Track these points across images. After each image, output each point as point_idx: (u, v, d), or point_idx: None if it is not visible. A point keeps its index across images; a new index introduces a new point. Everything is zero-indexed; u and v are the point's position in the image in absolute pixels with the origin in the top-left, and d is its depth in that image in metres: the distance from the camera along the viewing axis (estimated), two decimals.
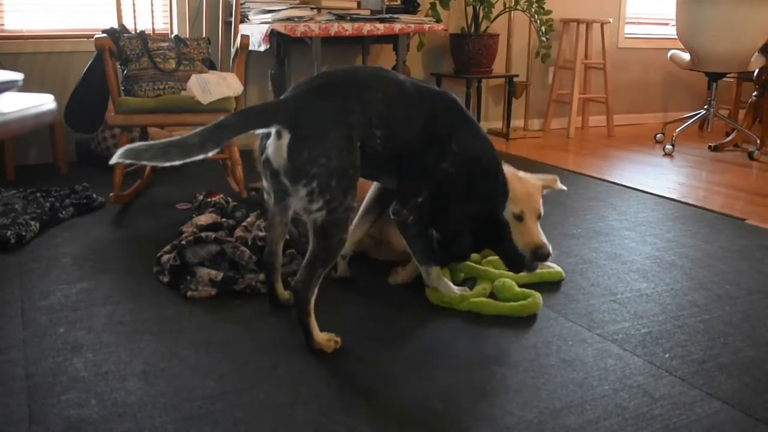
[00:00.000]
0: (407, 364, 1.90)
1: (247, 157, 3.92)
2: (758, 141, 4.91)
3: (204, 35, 3.63)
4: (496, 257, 2.47)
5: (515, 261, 2.23)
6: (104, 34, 3.27)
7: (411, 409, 1.68)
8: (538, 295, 2.27)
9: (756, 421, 1.65)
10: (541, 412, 1.67)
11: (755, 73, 5.16)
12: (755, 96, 5.25)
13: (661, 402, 1.73)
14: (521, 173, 2.37)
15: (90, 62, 3.48)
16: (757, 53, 4.87)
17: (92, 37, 3.26)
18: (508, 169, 2.32)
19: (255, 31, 4.02)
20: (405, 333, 2.09)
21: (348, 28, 4.04)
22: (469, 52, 5.11)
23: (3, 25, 4.16)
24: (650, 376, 1.85)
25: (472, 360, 1.92)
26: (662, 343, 2.04)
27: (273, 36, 4.01)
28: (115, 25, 3.48)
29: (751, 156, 4.86)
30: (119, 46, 3.34)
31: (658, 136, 5.56)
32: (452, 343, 2.02)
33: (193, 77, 3.23)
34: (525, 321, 2.18)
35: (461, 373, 1.85)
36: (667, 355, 1.96)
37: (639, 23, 6.41)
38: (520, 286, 2.35)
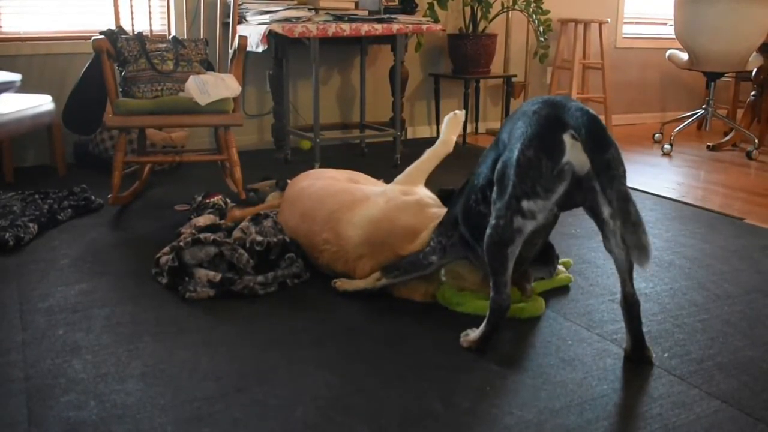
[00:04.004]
0: (407, 364, 1.89)
1: (246, 158, 3.93)
2: (756, 140, 4.91)
3: (202, 36, 3.63)
4: None
5: None
6: (102, 36, 3.27)
7: (410, 409, 1.68)
8: (540, 299, 2.27)
9: (755, 421, 1.65)
10: (541, 412, 1.67)
11: (753, 73, 5.16)
12: (753, 96, 5.25)
13: (660, 401, 1.73)
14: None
15: (88, 64, 3.47)
16: (755, 53, 4.88)
17: (90, 39, 3.26)
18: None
19: (253, 32, 4.02)
20: (405, 333, 2.09)
21: (346, 28, 4.04)
22: (467, 52, 5.11)
23: (0, 27, 4.15)
24: (649, 375, 1.85)
25: (471, 360, 1.92)
26: (661, 343, 2.04)
27: (271, 37, 4.01)
28: (113, 27, 3.48)
29: (749, 155, 4.86)
30: (117, 48, 3.34)
31: (657, 135, 5.57)
32: (452, 343, 2.02)
33: (191, 78, 3.22)
34: (524, 321, 2.18)
35: (461, 373, 1.85)
36: (666, 355, 1.96)
37: (637, 23, 6.41)
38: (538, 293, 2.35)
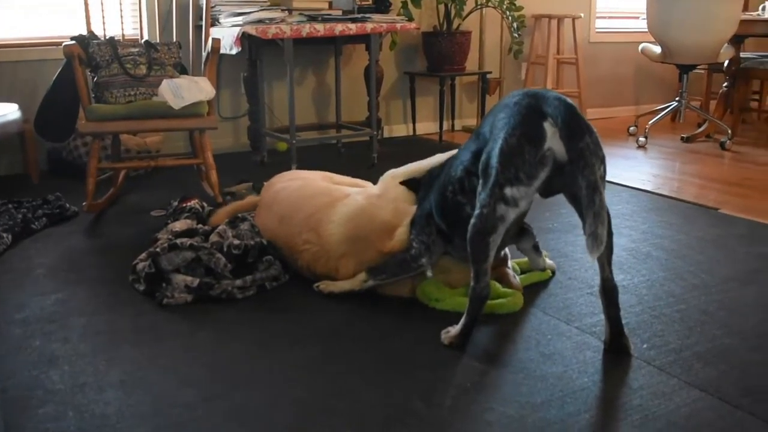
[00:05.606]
0: (388, 364, 1.89)
1: (222, 161, 3.90)
2: (729, 131, 4.96)
3: (174, 40, 3.60)
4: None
5: None
6: (73, 41, 3.24)
7: (393, 409, 1.67)
8: (519, 294, 2.28)
9: (734, 408, 1.67)
10: (522, 407, 1.68)
11: (725, 65, 5.21)
12: (726, 87, 5.31)
13: (640, 392, 1.74)
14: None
15: (59, 70, 3.44)
16: (726, 44, 4.92)
17: (61, 45, 3.22)
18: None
19: (226, 34, 4.00)
20: (385, 332, 2.09)
21: (320, 28, 4.03)
22: (442, 50, 5.11)
23: None
24: (629, 366, 1.87)
25: (452, 357, 1.93)
26: (640, 334, 2.05)
27: (244, 39, 3.99)
28: (84, 32, 3.45)
29: (722, 146, 4.91)
30: (89, 53, 3.30)
31: (631, 128, 5.60)
32: (432, 340, 2.02)
33: (165, 82, 3.20)
34: (503, 317, 2.18)
35: (442, 371, 1.85)
36: (645, 346, 1.98)
37: (610, 17, 6.45)
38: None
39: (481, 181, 1.90)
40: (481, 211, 1.87)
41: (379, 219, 2.32)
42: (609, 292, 1.91)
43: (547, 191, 1.89)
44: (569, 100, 1.82)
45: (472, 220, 1.89)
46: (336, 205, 2.44)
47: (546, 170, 1.81)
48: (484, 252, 1.89)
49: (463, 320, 1.98)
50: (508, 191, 1.82)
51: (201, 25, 3.70)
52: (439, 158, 2.43)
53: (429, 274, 2.30)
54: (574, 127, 1.75)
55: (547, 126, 1.79)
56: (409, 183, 2.42)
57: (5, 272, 2.59)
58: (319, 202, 2.48)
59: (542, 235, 2.95)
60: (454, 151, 2.38)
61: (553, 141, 1.78)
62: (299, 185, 2.63)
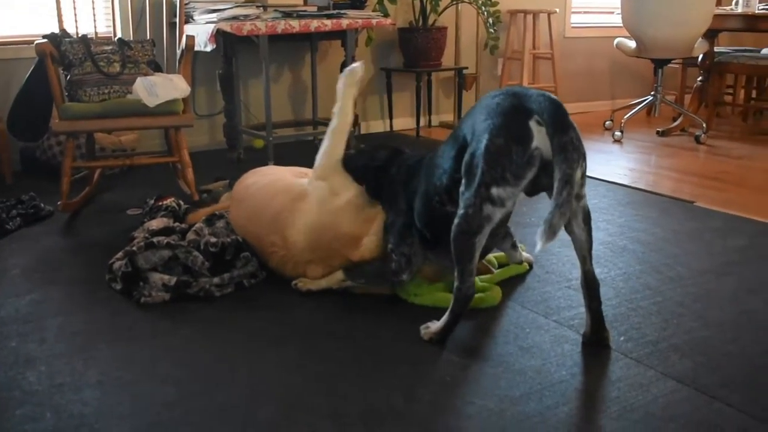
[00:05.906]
0: (368, 360, 1.89)
1: (198, 159, 3.88)
2: (704, 125, 5.01)
3: (148, 37, 3.57)
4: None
5: None
6: (45, 39, 3.20)
7: (373, 405, 1.67)
8: (497, 288, 2.29)
9: (710, 399, 1.68)
10: (501, 400, 1.68)
11: (699, 59, 5.26)
12: (700, 81, 5.36)
13: (618, 384, 1.75)
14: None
15: (31, 69, 3.40)
16: (700, 39, 4.96)
17: (33, 43, 3.18)
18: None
19: (200, 32, 3.97)
20: (364, 329, 2.09)
21: (295, 25, 4.01)
22: (418, 45, 5.12)
23: None
24: (606, 359, 1.88)
25: (431, 352, 1.93)
26: (617, 327, 2.07)
27: (219, 36, 3.97)
28: (56, 30, 3.41)
29: (697, 140, 4.96)
30: (61, 51, 3.26)
31: (607, 123, 5.64)
32: (412, 336, 2.02)
33: (139, 80, 3.17)
34: (482, 311, 2.19)
35: (421, 366, 1.85)
36: (622, 338, 1.99)
37: (585, 12, 6.49)
38: (496, 282, 2.38)
39: (464, 181, 1.87)
40: (465, 212, 1.85)
41: (342, 230, 2.31)
42: (590, 284, 1.92)
43: (532, 190, 1.89)
44: (554, 96, 1.81)
45: (456, 220, 1.87)
46: (297, 208, 2.39)
47: (533, 170, 1.79)
48: (470, 252, 1.88)
49: (445, 317, 1.98)
50: (495, 191, 1.80)
51: (175, 23, 3.67)
52: (333, 124, 2.43)
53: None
54: (561, 122, 1.74)
55: (533, 124, 1.77)
56: (355, 174, 2.38)
57: None
58: (284, 200, 2.46)
59: (520, 230, 2.96)
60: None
61: (539, 139, 1.77)
62: (269, 181, 2.61)
